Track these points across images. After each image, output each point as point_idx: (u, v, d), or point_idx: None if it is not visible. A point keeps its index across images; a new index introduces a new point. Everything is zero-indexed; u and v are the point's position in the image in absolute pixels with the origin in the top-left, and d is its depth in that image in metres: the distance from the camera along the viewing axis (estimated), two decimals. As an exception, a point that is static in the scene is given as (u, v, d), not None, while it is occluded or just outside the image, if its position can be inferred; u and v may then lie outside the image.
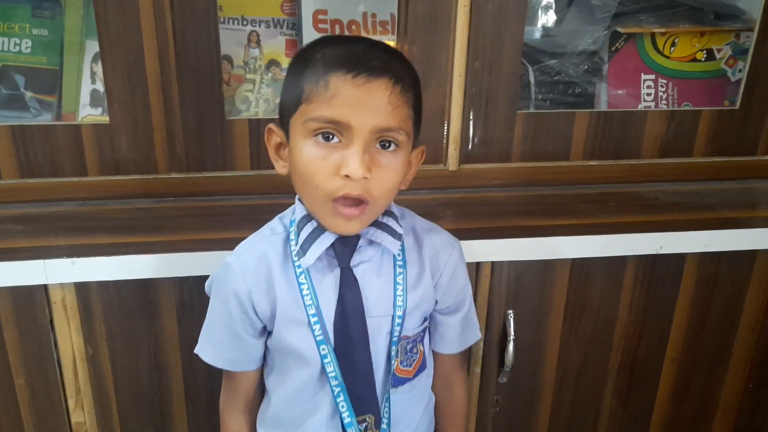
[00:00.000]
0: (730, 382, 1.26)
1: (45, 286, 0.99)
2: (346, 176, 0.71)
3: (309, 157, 0.72)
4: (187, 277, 1.02)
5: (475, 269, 1.08)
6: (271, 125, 0.79)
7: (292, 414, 0.87)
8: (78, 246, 1.01)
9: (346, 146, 0.71)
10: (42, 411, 1.06)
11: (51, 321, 1.01)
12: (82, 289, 1.00)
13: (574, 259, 1.11)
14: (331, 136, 0.72)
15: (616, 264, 1.13)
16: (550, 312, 1.14)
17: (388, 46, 0.77)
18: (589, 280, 1.13)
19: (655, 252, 1.11)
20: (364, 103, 0.70)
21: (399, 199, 0.86)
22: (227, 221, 1.10)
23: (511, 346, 1.11)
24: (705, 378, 1.25)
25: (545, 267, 1.11)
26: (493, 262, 1.08)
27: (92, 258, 0.97)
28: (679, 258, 1.14)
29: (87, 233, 1.05)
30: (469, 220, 1.13)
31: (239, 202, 1.16)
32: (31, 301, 0.99)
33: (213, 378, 0.89)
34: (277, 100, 1.24)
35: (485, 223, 1.12)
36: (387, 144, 0.73)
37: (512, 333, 1.11)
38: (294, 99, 0.74)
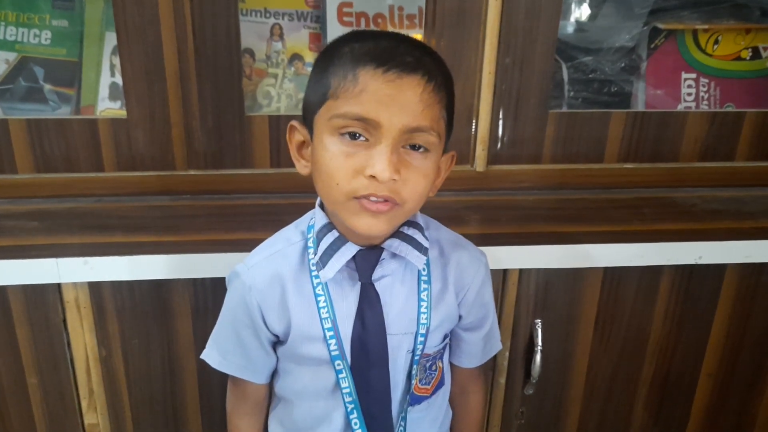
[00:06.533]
0: (770, 400, 1.21)
1: (58, 285, 0.97)
2: (372, 177, 0.66)
3: (332, 154, 0.68)
4: (202, 278, 0.99)
5: (501, 276, 1.04)
6: (294, 122, 0.74)
7: (303, 425, 0.84)
8: (92, 244, 0.99)
9: (373, 145, 0.67)
10: (55, 411, 1.05)
11: (64, 320, 1.00)
12: (95, 288, 0.98)
13: (606, 268, 1.06)
14: (357, 135, 0.67)
15: (650, 274, 1.08)
16: (580, 322, 1.10)
17: (421, 42, 0.73)
18: (621, 289, 1.08)
19: (693, 262, 1.05)
20: (395, 100, 0.66)
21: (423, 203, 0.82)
22: (245, 221, 1.07)
23: (538, 357, 1.08)
24: (743, 394, 1.20)
25: (575, 275, 1.06)
26: (520, 269, 1.05)
27: (106, 257, 0.95)
28: (719, 269, 1.09)
29: (101, 231, 1.03)
30: (496, 224, 1.09)
31: (258, 201, 1.13)
32: (44, 300, 0.98)
33: (227, 381, 0.88)
34: (300, 96, 1.21)
35: (513, 227, 1.08)
36: (417, 146, 0.69)
37: (539, 343, 1.08)
38: (319, 95, 0.69)
